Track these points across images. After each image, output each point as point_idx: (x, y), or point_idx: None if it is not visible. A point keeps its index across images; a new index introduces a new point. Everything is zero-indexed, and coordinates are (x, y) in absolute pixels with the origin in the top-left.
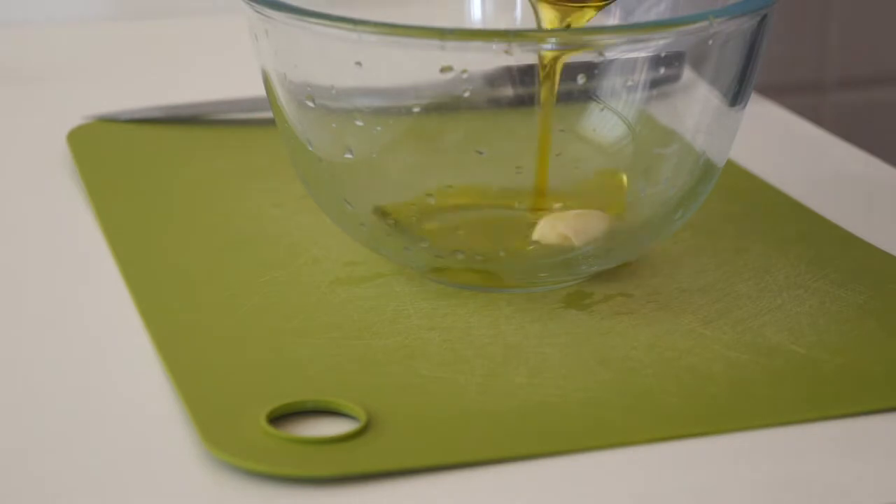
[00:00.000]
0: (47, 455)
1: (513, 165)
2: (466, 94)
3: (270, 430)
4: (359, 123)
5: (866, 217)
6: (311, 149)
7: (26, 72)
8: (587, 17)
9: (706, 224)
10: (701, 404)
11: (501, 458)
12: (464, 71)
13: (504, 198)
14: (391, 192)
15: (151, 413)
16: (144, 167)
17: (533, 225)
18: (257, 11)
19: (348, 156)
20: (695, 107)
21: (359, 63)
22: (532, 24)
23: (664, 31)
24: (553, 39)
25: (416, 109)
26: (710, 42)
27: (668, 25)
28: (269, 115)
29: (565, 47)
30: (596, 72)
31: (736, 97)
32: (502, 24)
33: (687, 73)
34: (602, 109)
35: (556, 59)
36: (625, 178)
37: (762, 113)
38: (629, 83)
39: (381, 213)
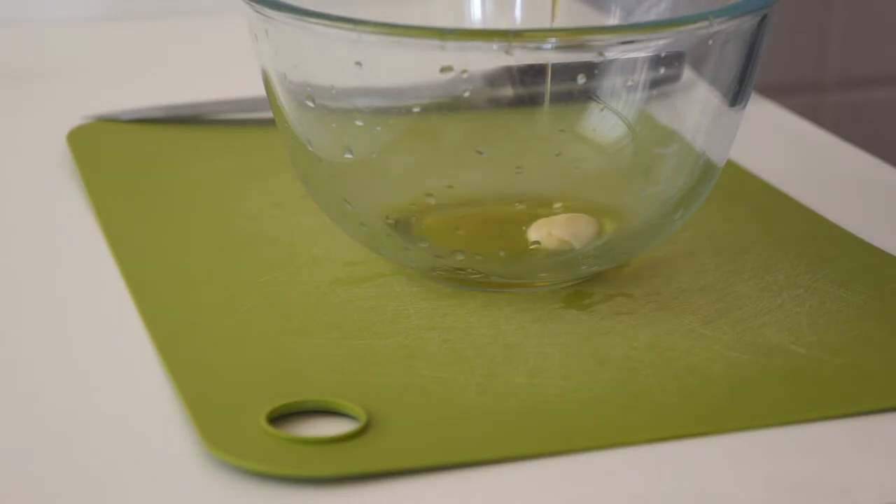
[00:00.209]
0: (47, 455)
1: (513, 165)
2: (466, 94)
3: (270, 430)
4: (359, 123)
5: (866, 217)
6: (311, 149)
7: (26, 72)
8: None
9: (706, 224)
10: (701, 404)
11: (501, 458)
12: (464, 71)
13: (504, 198)
14: (391, 192)
15: (151, 413)
16: (144, 167)
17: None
18: (257, 11)
19: (348, 156)
20: (695, 107)
21: (359, 63)
22: (532, 24)
23: (664, 31)
24: (553, 39)
25: (416, 109)
26: (710, 42)
27: (668, 25)
28: (269, 115)
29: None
30: (596, 72)
31: (736, 97)
32: (502, 24)
33: (687, 73)
34: (602, 109)
35: None
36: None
37: (762, 113)
38: (629, 83)
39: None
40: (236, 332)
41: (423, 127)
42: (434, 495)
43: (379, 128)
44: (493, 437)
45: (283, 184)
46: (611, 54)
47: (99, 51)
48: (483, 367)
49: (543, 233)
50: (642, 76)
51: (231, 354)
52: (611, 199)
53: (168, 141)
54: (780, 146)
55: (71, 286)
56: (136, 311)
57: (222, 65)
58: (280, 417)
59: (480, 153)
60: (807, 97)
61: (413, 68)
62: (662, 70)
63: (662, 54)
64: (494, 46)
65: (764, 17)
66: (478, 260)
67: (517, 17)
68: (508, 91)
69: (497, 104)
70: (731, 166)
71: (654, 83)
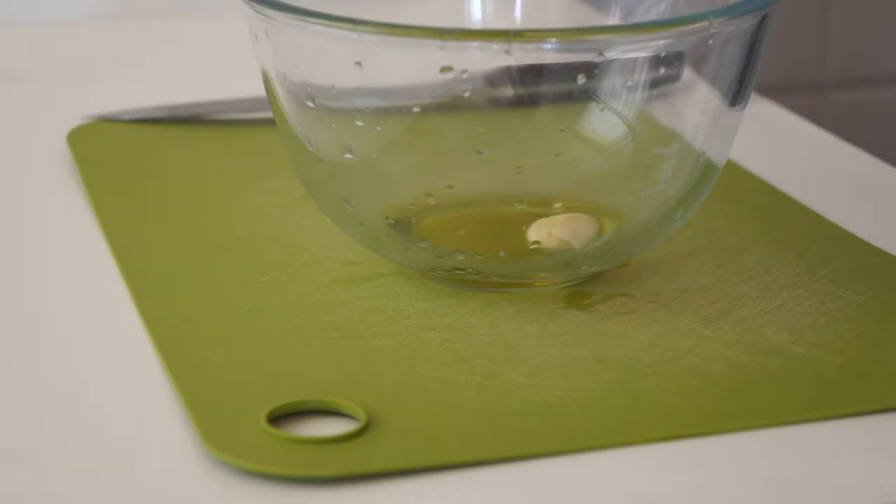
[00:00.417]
0: (47, 455)
1: (513, 165)
2: (466, 94)
3: (270, 430)
4: (359, 123)
5: (866, 217)
6: (311, 149)
7: (26, 72)
8: None
9: (706, 224)
10: (701, 404)
11: (501, 458)
12: (464, 71)
13: (504, 198)
14: (391, 192)
15: (151, 413)
16: (144, 167)
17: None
18: (257, 11)
19: (348, 156)
20: (695, 107)
21: (359, 63)
22: (532, 25)
23: (664, 31)
24: (553, 39)
25: (416, 109)
26: (710, 42)
27: (668, 25)
28: (269, 115)
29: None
30: (596, 72)
31: (736, 97)
32: (502, 24)
33: (687, 73)
34: (602, 109)
35: None
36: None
37: (762, 113)
38: (629, 83)
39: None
40: (236, 332)
41: (423, 127)
42: (434, 495)
43: (379, 128)
44: (493, 437)
45: (283, 184)
46: (611, 54)
47: (99, 51)
48: (483, 367)
49: (543, 233)
50: (642, 76)
51: (231, 354)
52: (611, 199)
53: (168, 141)
54: (780, 146)
55: (71, 286)
56: (136, 311)
57: (222, 65)
58: (280, 417)
59: (480, 153)
60: (807, 97)
61: (413, 68)
62: (662, 70)
63: (662, 54)
64: (494, 46)
65: (764, 17)
66: (478, 260)
67: (517, 17)
68: (508, 91)
69: (497, 104)
70: (731, 166)
71: (654, 83)
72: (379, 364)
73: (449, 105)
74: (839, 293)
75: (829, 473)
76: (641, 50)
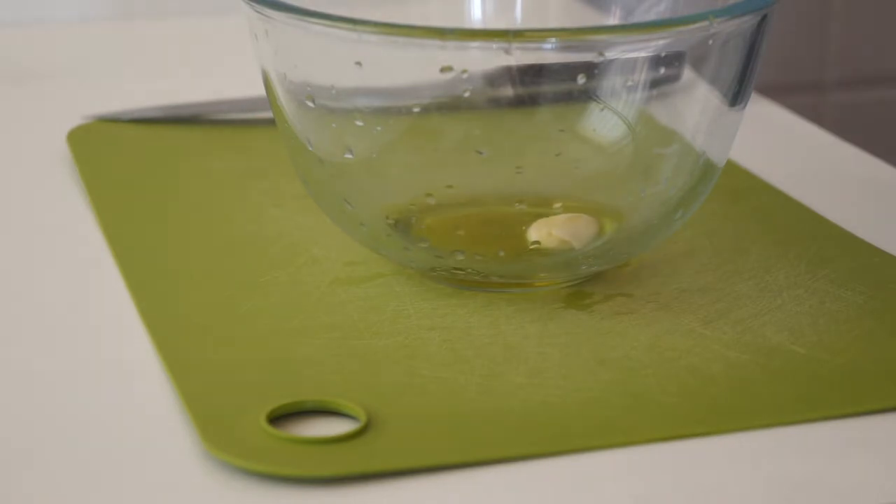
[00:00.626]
0: (47, 455)
1: (513, 165)
2: (466, 94)
3: (270, 430)
4: (359, 123)
5: (866, 217)
6: (311, 149)
7: (26, 72)
8: None
9: (706, 224)
10: (701, 404)
11: (501, 458)
12: (464, 71)
13: (504, 198)
14: (391, 192)
15: (151, 413)
16: (144, 167)
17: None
18: (257, 11)
19: (348, 156)
20: (695, 107)
21: (359, 63)
22: (532, 25)
23: (664, 31)
24: (553, 39)
25: (416, 109)
26: (710, 42)
27: (668, 25)
28: (269, 115)
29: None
30: (596, 72)
31: (736, 97)
32: (502, 24)
33: (687, 73)
34: (602, 109)
35: None
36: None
37: (762, 113)
38: (629, 83)
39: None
40: (236, 332)
41: (423, 127)
42: (434, 495)
43: (379, 128)
44: (493, 437)
45: (283, 184)
46: (611, 54)
47: (99, 51)
48: (483, 367)
49: (543, 233)
50: (642, 76)
51: (231, 354)
52: (611, 199)
53: (168, 141)
54: (780, 146)
55: (71, 286)
56: (136, 311)
57: (222, 65)
58: (280, 417)
59: (480, 153)
60: (807, 97)
61: (413, 68)
62: (662, 70)
63: (662, 54)
64: (494, 46)
65: (764, 17)
66: (478, 260)
67: (517, 17)
68: (508, 91)
69: (497, 104)
70: (731, 166)
71: (654, 83)
72: (379, 364)
73: (449, 105)
74: (839, 293)
75: (829, 473)
76: (641, 50)
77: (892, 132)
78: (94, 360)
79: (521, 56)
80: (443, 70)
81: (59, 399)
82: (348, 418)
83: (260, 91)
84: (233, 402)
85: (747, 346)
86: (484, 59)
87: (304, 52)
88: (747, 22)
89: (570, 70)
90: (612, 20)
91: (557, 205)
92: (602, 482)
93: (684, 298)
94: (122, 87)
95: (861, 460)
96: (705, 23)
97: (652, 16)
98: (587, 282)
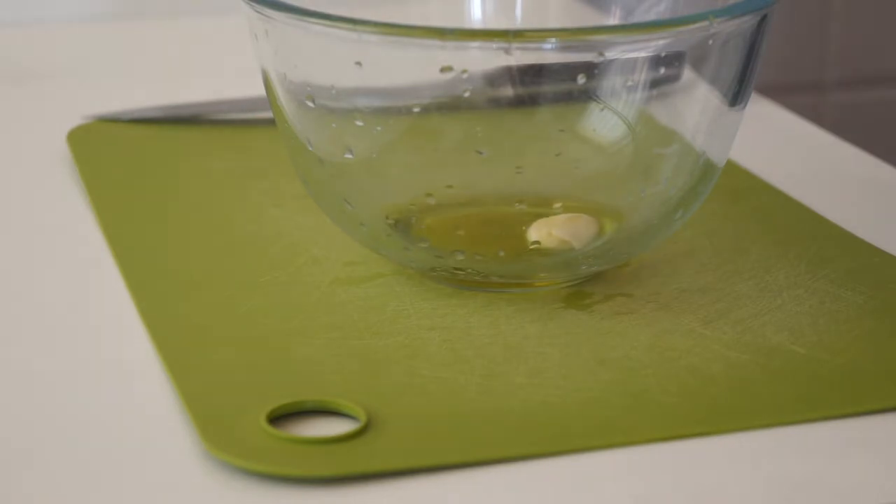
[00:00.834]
0: (47, 455)
1: (513, 165)
2: (466, 94)
3: (270, 430)
4: (359, 123)
5: (866, 217)
6: (311, 149)
7: (26, 72)
8: None
9: (706, 224)
10: (701, 404)
11: (501, 458)
12: (464, 71)
13: (504, 198)
14: (391, 192)
15: (151, 413)
16: (144, 167)
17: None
18: (257, 11)
19: (348, 156)
20: (695, 107)
21: (359, 63)
22: (532, 25)
23: (664, 31)
24: (553, 39)
25: (416, 109)
26: (710, 42)
27: (668, 25)
28: (269, 115)
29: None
30: (596, 72)
31: (736, 97)
32: (502, 24)
33: (687, 73)
34: (602, 109)
35: None
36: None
37: (762, 113)
38: (629, 83)
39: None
40: (236, 332)
41: (423, 127)
42: (434, 495)
43: (379, 128)
44: (493, 437)
45: (283, 184)
46: (611, 54)
47: (99, 51)
48: (483, 367)
49: (543, 233)
50: (642, 76)
51: (231, 354)
52: (611, 199)
53: (168, 141)
54: (780, 146)
55: (71, 286)
56: (136, 311)
57: (222, 65)
58: (280, 417)
59: (480, 153)
60: (807, 97)
61: (413, 68)
62: (662, 70)
63: (662, 54)
64: (494, 46)
65: (764, 17)
66: (478, 260)
67: (517, 17)
68: (508, 91)
69: (497, 104)
70: (731, 166)
71: (654, 83)
72: (379, 364)
73: (449, 105)
74: (839, 293)
75: (829, 473)
76: (641, 50)
77: (892, 132)
78: (94, 360)
79: (521, 56)
80: (443, 70)
81: (59, 399)
82: (348, 418)
83: (260, 91)
84: (233, 402)
85: (747, 346)
86: (484, 59)
87: (304, 52)
88: (747, 22)
89: (570, 70)
90: (612, 20)
91: (557, 205)
92: (602, 482)
93: (684, 298)
94: (122, 87)
95: (861, 460)
96: (705, 23)
97: (652, 16)
98: (587, 282)
